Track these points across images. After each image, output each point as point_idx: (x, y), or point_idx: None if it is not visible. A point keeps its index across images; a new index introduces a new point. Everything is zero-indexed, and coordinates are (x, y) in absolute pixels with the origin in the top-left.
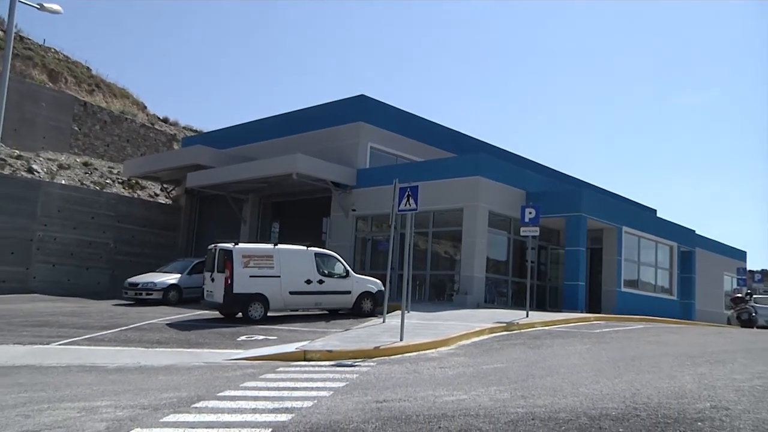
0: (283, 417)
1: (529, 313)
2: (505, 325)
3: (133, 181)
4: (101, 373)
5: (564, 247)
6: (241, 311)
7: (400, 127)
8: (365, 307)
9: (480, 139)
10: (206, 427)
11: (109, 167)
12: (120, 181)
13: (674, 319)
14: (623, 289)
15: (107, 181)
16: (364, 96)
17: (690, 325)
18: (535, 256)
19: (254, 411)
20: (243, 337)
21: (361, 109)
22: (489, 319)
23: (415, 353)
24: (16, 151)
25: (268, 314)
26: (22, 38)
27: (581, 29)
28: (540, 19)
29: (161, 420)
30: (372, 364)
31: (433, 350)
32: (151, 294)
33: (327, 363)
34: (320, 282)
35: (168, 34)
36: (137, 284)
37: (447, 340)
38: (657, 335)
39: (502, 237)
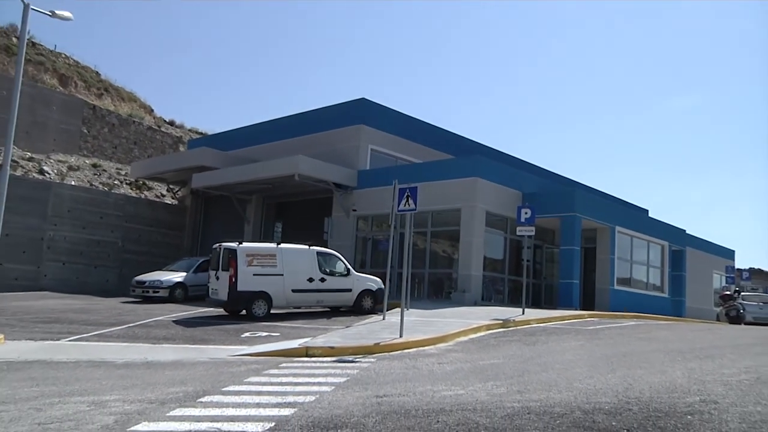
0: (286, 411)
1: (525, 310)
2: (501, 322)
3: (141, 182)
4: (110, 368)
5: (559, 246)
6: (245, 308)
7: (399, 129)
8: (366, 305)
9: (477, 141)
10: (211, 421)
11: (117, 169)
12: (127, 182)
13: (665, 316)
14: (616, 287)
15: (115, 182)
16: (365, 99)
17: (680, 321)
18: (531, 255)
19: (258, 405)
20: (247, 334)
21: (362, 112)
22: (486, 316)
23: (414, 349)
24: (28, 153)
25: (272, 311)
26: (34, 44)
27: (577, 33)
28: (535, 23)
29: (168, 414)
30: (372, 360)
31: (431, 346)
32: (158, 292)
33: (328, 359)
34: (322, 280)
35: (174, 40)
36: (144, 282)
37: (445, 336)
38: (648, 332)
39: (498, 236)
